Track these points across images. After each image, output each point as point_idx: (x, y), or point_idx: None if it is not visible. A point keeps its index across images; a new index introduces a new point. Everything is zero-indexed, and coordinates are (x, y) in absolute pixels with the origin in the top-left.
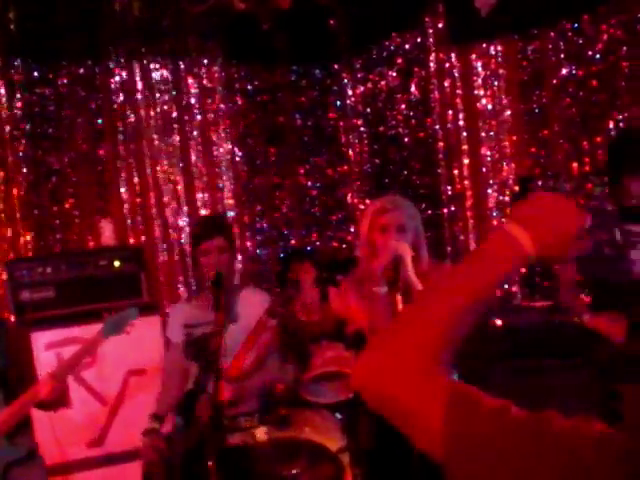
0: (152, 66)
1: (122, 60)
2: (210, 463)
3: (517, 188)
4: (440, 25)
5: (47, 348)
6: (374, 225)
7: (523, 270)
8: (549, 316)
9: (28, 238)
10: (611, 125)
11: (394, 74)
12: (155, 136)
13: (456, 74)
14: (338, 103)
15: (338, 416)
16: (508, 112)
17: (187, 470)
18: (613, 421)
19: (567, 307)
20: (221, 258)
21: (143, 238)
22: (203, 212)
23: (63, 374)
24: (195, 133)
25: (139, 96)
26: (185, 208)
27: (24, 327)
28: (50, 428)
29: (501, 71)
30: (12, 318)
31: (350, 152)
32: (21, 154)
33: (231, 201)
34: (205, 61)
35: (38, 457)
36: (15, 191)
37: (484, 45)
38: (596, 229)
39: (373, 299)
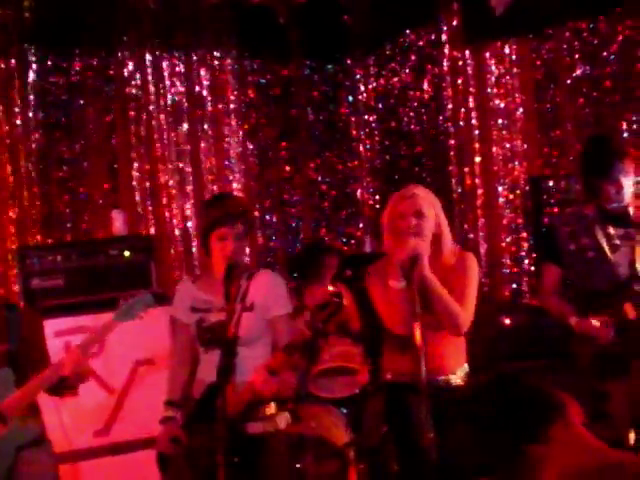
0: (164, 57)
1: (135, 51)
2: (221, 456)
3: (528, 188)
4: (454, 23)
5: (56, 336)
6: (394, 213)
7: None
8: (536, 317)
9: (38, 227)
10: (624, 126)
11: (407, 71)
12: (165, 127)
13: (469, 72)
14: (350, 98)
15: (344, 411)
16: (520, 111)
17: (212, 463)
18: (600, 421)
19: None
20: (238, 245)
21: (152, 229)
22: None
23: (87, 348)
24: (206, 125)
25: (151, 87)
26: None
27: (36, 312)
28: (57, 416)
29: (515, 70)
30: (22, 305)
31: (361, 148)
32: (33, 143)
33: (241, 194)
34: (218, 54)
35: (47, 441)
36: (26, 179)
37: (498, 44)
38: (578, 234)
39: (390, 292)
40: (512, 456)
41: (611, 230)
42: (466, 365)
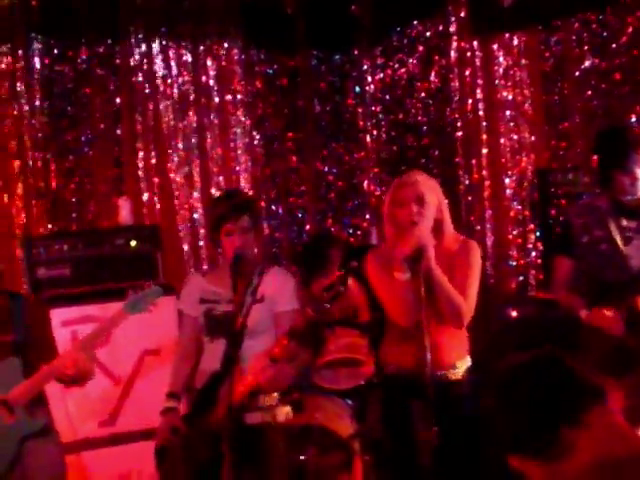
0: (171, 47)
1: (142, 40)
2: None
3: (535, 180)
4: (462, 14)
5: (63, 325)
6: (394, 200)
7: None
8: (543, 310)
9: (44, 216)
10: (633, 119)
11: (414, 62)
12: (172, 117)
13: (477, 63)
14: (357, 89)
15: (349, 402)
16: (528, 103)
17: (211, 453)
18: None
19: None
20: (245, 238)
21: (159, 219)
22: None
23: (89, 346)
24: (212, 116)
25: (158, 76)
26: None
27: (43, 302)
28: (63, 406)
29: (523, 61)
30: (28, 294)
31: (368, 139)
32: (39, 131)
33: (247, 184)
34: (225, 44)
35: (54, 432)
36: (32, 168)
37: (506, 35)
38: (591, 226)
39: (395, 283)
40: (546, 438)
41: (624, 222)
42: (468, 358)
